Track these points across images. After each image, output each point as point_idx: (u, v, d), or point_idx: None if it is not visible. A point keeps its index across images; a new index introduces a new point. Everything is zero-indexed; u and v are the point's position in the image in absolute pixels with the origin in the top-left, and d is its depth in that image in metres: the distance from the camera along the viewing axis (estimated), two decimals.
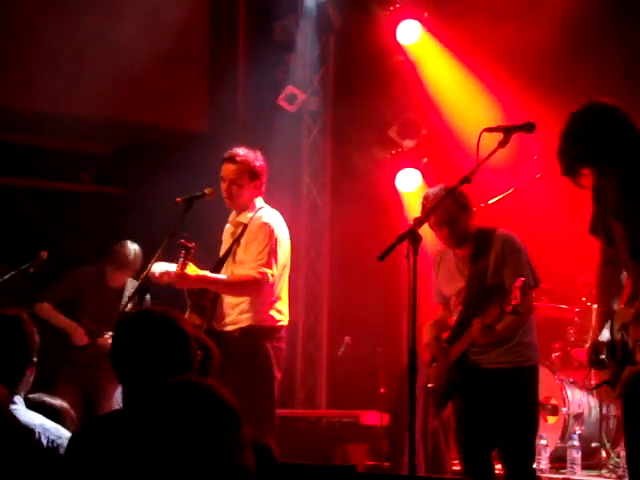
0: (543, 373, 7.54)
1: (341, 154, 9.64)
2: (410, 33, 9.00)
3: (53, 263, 6.98)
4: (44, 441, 3.68)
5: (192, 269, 6.03)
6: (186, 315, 6.16)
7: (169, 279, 6.10)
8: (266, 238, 6.15)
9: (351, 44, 9.47)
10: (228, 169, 6.27)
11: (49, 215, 8.44)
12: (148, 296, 6.06)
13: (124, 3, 8.76)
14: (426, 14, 8.97)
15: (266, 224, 6.19)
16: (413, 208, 8.83)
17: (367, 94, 9.21)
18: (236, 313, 6.25)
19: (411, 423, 4.16)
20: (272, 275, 6.14)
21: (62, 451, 3.64)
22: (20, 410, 3.81)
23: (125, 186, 9.24)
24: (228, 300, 6.29)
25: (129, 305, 6.27)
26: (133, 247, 7.74)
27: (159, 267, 6.06)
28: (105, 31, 8.74)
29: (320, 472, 3.83)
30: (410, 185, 9.20)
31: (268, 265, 6.13)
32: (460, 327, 5.67)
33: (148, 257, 6.15)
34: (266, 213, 6.31)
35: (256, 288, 6.15)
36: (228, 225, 6.51)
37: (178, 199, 6.16)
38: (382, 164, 9.29)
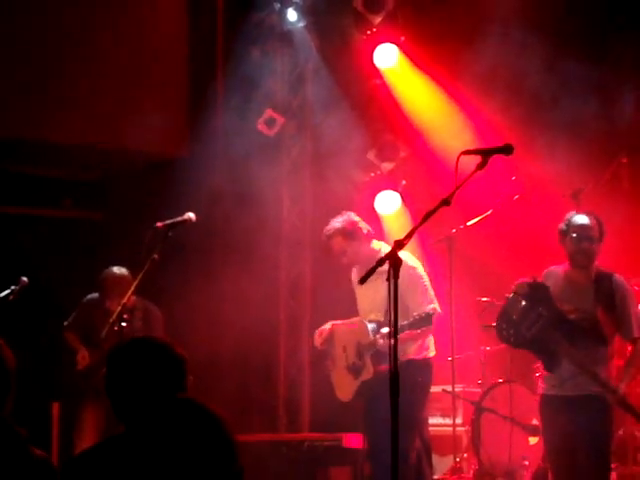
0: (523, 393, 7.59)
1: (320, 177, 9.67)
2: (387, 57, 9.06)
3: (35, 289, 6.97)
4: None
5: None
6: None
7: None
8: (419, 279, 6.55)
9: (329, 68, 9.52)
10: (329, 247, 6.78)
11: (31, 241, 8.43)
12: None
13: (104, 34, 8.81)
14: (403, 38, 9.03)
15: (412, 267, 6.53)
16: (393, 230, 8.87)
17: (345, 117, 9.26)
18: (405, 346, 6.46)
19: (394, 446, 4.17)
20: (438, 307, 6.56)
21: None
22: None
23: (106, 211, 9.23)
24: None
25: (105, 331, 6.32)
26: (119, 271, 7.73)
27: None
28: (88, 60, 8.76)
29: None
30: (389, 207, 9.24)
31: (433, 301, 6.54)
32: None
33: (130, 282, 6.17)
34: (403, 256, 6.62)
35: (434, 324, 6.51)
36: (356, 270, 6.89)
37: (159, 224, 6.19)
38: (361, 187, 9.32)
